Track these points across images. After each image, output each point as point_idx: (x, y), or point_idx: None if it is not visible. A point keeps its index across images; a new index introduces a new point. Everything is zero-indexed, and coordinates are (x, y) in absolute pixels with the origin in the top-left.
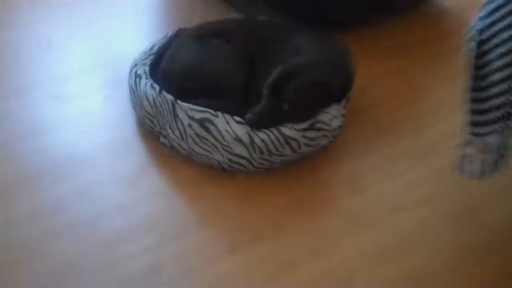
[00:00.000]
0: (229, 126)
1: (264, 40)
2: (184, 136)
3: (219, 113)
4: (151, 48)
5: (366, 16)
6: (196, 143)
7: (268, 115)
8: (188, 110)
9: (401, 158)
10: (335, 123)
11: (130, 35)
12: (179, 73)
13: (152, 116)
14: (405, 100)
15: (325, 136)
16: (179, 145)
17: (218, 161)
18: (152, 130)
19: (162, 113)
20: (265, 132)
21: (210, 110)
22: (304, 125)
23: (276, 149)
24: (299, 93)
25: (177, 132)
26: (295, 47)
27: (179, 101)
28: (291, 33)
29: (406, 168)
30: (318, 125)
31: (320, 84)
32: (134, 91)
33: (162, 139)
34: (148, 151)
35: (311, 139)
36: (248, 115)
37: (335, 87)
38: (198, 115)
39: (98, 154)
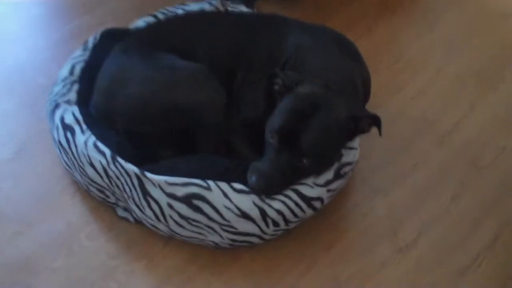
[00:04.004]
0: (228, 200)
1: (244, 42)
2: (162, 218)
3: (210, 183)
4: (71, 72)
5: None
6: (181, 226)
7: (281, 175)
8: (164, 186)
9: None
10: (357, 155)
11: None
12: (125, 113)
13: (103, 187)
14: None
15: (348, 177)
16: (154, 226)
17: (214, 243)
18: (103, 201)
19: (120, 186)
20: (279, 200)
21: (197, 181)
22: (329, 175)
23: (296, 215)
24: (323, 140)
25: (149, 212)
26: (291, 51)
27: (148, 174)
28: (282, 29)
29: None
30: (344, 170)
31: (348, 120)
32: (66, 151)
33: (120, 212)
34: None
35: (335, 190)
36: (253, 179)
37: (367, 119)
38: (181, 191)
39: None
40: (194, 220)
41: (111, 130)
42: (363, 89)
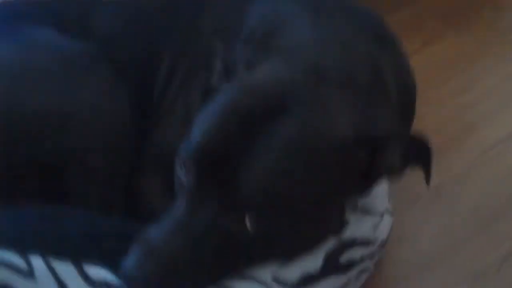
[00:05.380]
0: None
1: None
2: None
3: (36, 262)
4: None
5: None
6: None
7: (193, 254)
8: None
9: None
10: (385, 229)
11: None
12: None
13: None
14: None
15: (361, 274)
16: None
17: None
18: None
19: None
20: None
21: (11, 257)
22: (310, 263)
23: None
24: (290, 175)
25: None
26: (259, 19)
27: None
28: None
29: None
30: (350, 257)
31: (356, 141)
32: None
33: None
34: None
35: None
36: (130, 260)
37: (397, 144)
38: None
39: None
40: None
41: None
42: (400, 97)
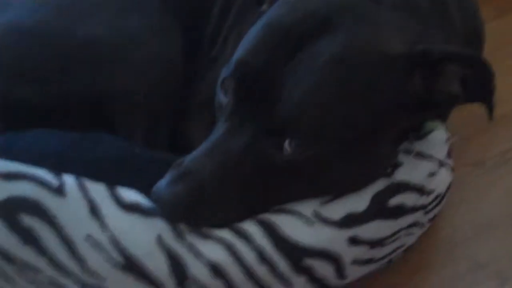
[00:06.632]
0: (100, 224)
1: None
2: None
3: (68, 179)
4: None
5: None
6: None
7: (230, 178)
8: None
9: None
10: (441, 183)
11: None
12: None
13: None
14: None
15: (412, 227)
16: None
17: None
18: None
19: None
20: (222, 241)
21: (40, 173)
22: (356, 201)
23: (258, 283)
24: (335, 96)
25: None
26: None
27: None
28: None
29: None
30: (403, 201)
31: (407, 57)
32: None
33: None
34: None
35: (374, 242)
36: (163, 182)
37: (457, 61)
38: None
39: None
40: (25, 264)
41: None
42: (464, 24)
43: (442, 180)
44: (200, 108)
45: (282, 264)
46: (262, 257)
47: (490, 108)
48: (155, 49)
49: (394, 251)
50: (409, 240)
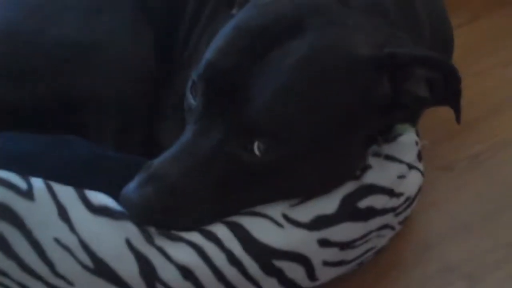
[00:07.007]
0: (68, 227)
1: None
2: None
3: (37, 183)
4: None
5: None
6: None
7: (198, 180)
8: None
9: None
10: (410, 185)
11: None
12: None
13: None
14: None
15: (383, 229)
16: None
17: None
18: None
19: None
20: (190, 243)
21: (9, 176)
22: (326, 202)
23: (229, 284)
24: (304, 97)
25: None
26: None
27: None
28: None
29: None
30: (369, 202)
31: (372, 60)
32: None
33: None
34: None
35: (344, 244)
36: (132, 185)
37: (421, 64)
38: None
39: None
40: None
41: None
42: (433, 30)
43: (411, 183)
44: (173, 110)
45: (252, 266)
46: (232, 259)
47: (457, 112)
48: (126, 50)
49: (365, 253)
50: (380, 242)
